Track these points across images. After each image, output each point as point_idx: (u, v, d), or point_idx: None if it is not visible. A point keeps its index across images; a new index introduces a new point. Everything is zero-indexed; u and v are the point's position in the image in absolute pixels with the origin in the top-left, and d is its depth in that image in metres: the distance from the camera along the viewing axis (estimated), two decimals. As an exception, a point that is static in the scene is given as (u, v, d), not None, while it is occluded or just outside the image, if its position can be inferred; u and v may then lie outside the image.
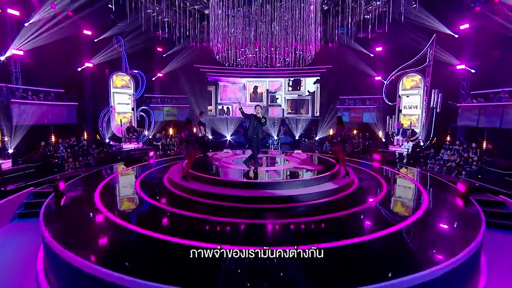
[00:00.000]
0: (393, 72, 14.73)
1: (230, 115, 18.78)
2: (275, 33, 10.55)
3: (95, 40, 14.35)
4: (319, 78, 18.44)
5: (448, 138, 12.76)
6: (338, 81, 16.89)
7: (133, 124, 14.76)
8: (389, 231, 4.62)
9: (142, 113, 15.64)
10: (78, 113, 13.77)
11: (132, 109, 15.29)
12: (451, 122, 12.95)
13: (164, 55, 17.50)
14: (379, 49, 16.30)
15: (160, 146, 14.96)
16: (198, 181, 6.59)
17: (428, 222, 5.10)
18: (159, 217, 5.40)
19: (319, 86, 18.76)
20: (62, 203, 5.96)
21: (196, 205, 5.76)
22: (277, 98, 18.97)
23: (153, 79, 17.38)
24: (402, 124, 14.06)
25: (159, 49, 17.45)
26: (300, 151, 10.30)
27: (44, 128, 12.34)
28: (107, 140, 14.10)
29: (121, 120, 14.54)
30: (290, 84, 18.98)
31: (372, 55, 16.49)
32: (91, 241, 4.31)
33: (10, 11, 11.65)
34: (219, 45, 10.54)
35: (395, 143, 13.55)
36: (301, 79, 18.86)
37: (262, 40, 10.96)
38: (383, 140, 14.94)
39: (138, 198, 6.34)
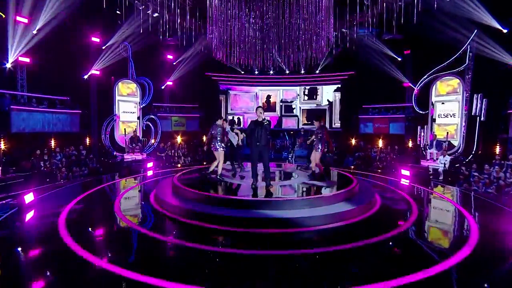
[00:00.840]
0: (425, 76, 13.27)
1: (241, 125, 18.05)
2: (285, 33, 9.57)
3: (103, 47, 14.31)
4: (339, 85, 17.23)
5: (497, 151, 10.97)
6: (361, 89, 15.65)
7: (137, 134, 14.29)
8: (424, 275, 3.48)
9: (148, 123, 15.21)
10: (82, 122, 13.66)
11: (138, 118, 14.92)
12: (501, 133, 11.15)
13: (174, 63, 17.31)
14: (407, 51, 14.87)
15: (164, 157, 14.25)
16: (185, 198, 5.95)
17: (481, 263, 3.80)
18: (130, 246, 4.58)
19: (338, 94, 17.55)
20: (20, 221, 5.31)
21: (179, 227, 5.14)
22: (294, 108, 17.89)
23: (162, 87, 17.19)
24: (436, 135, 12.48)
25: (169, 56, 17.24)
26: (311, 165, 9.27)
27: (44, 136, 12.22)
28: (109, 150, 13.40)
29: (125, 129, 14.29)
30: (306, 93, 17.99)
31: (399, 58, 15.09)
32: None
33: (19, 18, 11.80)
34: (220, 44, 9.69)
35: (428, 157, 12.02)
36: (318, 87, 17.78)
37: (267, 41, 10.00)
38: (414, 153, 13.34)
39: (114, 220, 5.56)
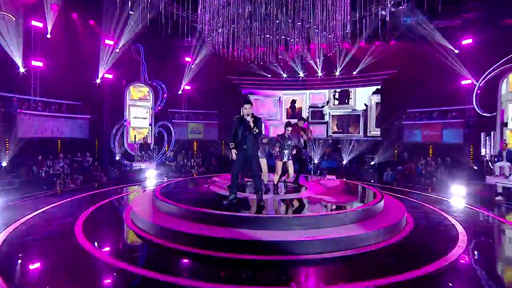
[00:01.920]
0: (492, 68, 11.08)
1: (263, 133, 16.84)
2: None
3: (117, 50, 14.35)
4: (379, 86, 15.47)
5: None
6: (405, 90, 13.77)
7: (148, 141, 13.92)
8: None
9: (161, 130, 14.94)
10: (91, 127, 13.69)
11: (150, 124, 14.54)
12: None
13: (192, 65, 16.93)
14: (467, 41, 12.86)
15: (174, 167, 13.57)
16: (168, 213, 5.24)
17: None
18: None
19: (376, 98, 15.85)
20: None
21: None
22: (326, 115, 16.77)
23: (179, 92, 16.86)
24: (507, 144, 10.22)
25: (187, 58, 16.90)
26: (333, 177, 8.54)
27: (52, 142, 12.37)
28: (117, 158, 13.41)
29: (135, 136, 13.96)
30: (336, 96, 16.54)
31: (456, 50, 13.08)
32: None
33: (34, 23, 12.21)
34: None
35: (496, 172, 9.85)
36: (350, 90, 16.18)
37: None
38: (475, 167, 11.14)
39: (72, 242, 4.66)
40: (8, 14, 11.05)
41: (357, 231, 4.50)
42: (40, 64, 12.43)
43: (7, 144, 11.05)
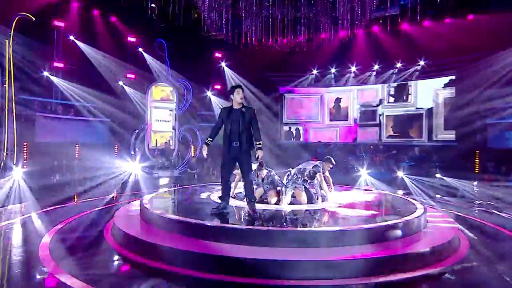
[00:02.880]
0: None
1: (301, 139, 16.36)
2: None
3: (140, 49, 14.74)
4: (453, 77, 13.48)
5: None
6: (491, 79, 11.77)
7: (170, 146, 13.84)
8: None
9: (186, 134, 14.78)
10: (111, 132, 14.08)
11: (173, 128, 14.54)
12: None
13: (223, 62, 16.79)
14: None
15: (196, 176, 13.16)
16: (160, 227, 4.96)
17: None
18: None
19: (446, 92, 13.80)
20: None
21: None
22: (381, 115, 15.39)
23: (209, 92, 16.74)
24: None
25: (217, 54, 16.86)
26: (371, 188, 7.97)
27: (70, 147, 12.78)
28: (137, 165, 13.17)
29: (156, 140, 14.01)
30: (392, 92, 14.90)
31: None
32: None
33: (56, 23, 13.04)
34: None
35: None
36: (409, 83, 14.38)
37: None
38: None
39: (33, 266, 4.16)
40: (28, 15, 11.63)
41: (369, 253, 3.85)
42: (61, 65, 13.16)
43: (24, 149, 11.52)
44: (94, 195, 8.85)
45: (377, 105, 15.66)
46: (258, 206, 5.27)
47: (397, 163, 13.18)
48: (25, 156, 11.48)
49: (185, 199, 6.94)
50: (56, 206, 7.53)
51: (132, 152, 13.86)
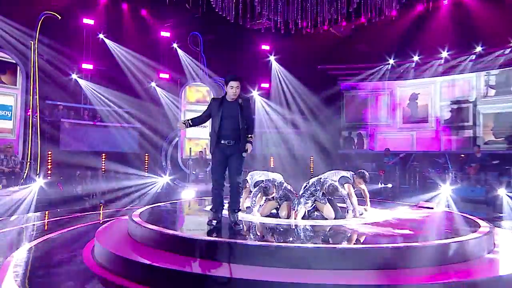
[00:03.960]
0: None
1: (364, 147, 15.30)
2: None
3: (174, 44, 14.75)
4: None
5: None
6: None
7: (205, 156, 13.80)
8: None
9: None
10: (141, 139, 14.19)
11: (209, 134, 13.75)
12: None
13: (271, 55, 16.28)
14: None
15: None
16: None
17: None
18: None
19: None
20: None
21: None
22: (475, 114, 13.43)
23: (255, 91, 16.21)
24: None
25: (264, 46, 16.31)
26: (432, 206, 7.23)
27: (96, 156, 12.86)
28: (167, 177, 13.14)
29: (190, 149, 13.92)
30: (492, 82, 12.95)
31: None
32: None
33: (86, 20, 13.45)
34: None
35: None
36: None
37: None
38: None
39: None
40: (54, 13, 12.08)
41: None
42: (90, 67, 13.57)
43: (49, 158, 11.92)
44: (108, 208, 9.04)
45: (472, 101, 13.31)
46: (267, 220, 5.37)
47: (500, 178, 11.21)
48: (49, 167, 11.79)
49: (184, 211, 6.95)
50: (54, 218, 7.71)
51: (164, 163, 13.92)
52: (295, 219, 5.27)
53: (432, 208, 7.01)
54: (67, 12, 12.30)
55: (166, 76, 14.64)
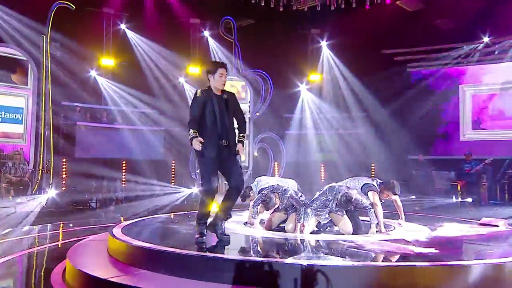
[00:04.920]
0: None
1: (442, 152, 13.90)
2: None
3: (205, 32, 14.41)
4: None
5: None
6: None
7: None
8: None
9: (263, 145, 14.53)
10: (166, 144, 13.96)
11: (246, 136, 13.21)
12: None
13: (323, 40, 15.45)
14: None
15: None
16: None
17: None
18: None
19: None
20: None
21: None
22: None
23: (303, 85, 15.42)
24: None
25: (313, 30, 15.55)
26: (500, 223, 6.76)
27: (115, 164, 12.86)
28: (194, 189, 13.00)
29: None
30: None
31: None
32: None
33: (105, 9, 13.42)
34: None
35: None
36: None
37: None
38: None
39: None
40: (68, 3, 12.00)
41: None
42: (110, 62, 13.43)
43: (63, 166, 11.97)
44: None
45: None
46: (264, 234, 5.45)
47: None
48: (63, 176, 11.84)
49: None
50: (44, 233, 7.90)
51: (193, 172, 13.67)
52: (301, 233, 5.27)
53: (497, 226, 6.66)
54: (83, 1, 12.29)
55: (196, 70, 14.18)
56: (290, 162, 14.60)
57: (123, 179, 12.73)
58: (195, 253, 4.51)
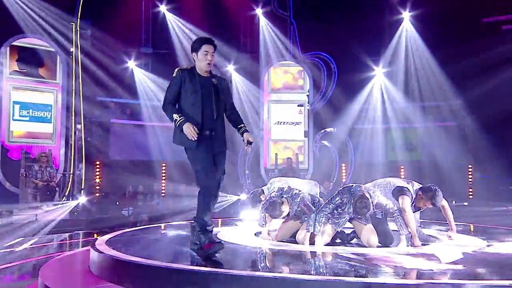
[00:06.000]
0: None
1: None
2: None
3: (257, 9, 13.72)
4: None
5: None
6: None
7: (293, 164, 13.09)
8: None
9: (325, 143, 14.07)
10: None
11: (306, 134, 13.75)
12: None
13: (405, 10, 14.35)
14: None
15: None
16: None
17: None
18: None
19: None
20: None
21: None
22: None
23: (379, 68, 14.54)
24: None
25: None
26: None
27: (151, 167, 13.00)
28: (245, 196, 12.55)
29: (276, 154, 13.42)
30: None
31: None
32: None
33: None
34: None
35: None
36: None
37: None
38: None
39: None
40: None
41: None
42: (149, 51, 13.52)
43: (96, 170, 12.16)
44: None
45: None
46: (280, 246, 5.24)
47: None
48: (97, 181, 11.99)
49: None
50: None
51: (242, 177, 13.63)
52: (310, 245, 5.16)
53: None
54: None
55: (247, 55, 14.05)
56: (362, 162, 14.06)
57: (163, 185, 12.70)
58: (202, 268, 4.14)
